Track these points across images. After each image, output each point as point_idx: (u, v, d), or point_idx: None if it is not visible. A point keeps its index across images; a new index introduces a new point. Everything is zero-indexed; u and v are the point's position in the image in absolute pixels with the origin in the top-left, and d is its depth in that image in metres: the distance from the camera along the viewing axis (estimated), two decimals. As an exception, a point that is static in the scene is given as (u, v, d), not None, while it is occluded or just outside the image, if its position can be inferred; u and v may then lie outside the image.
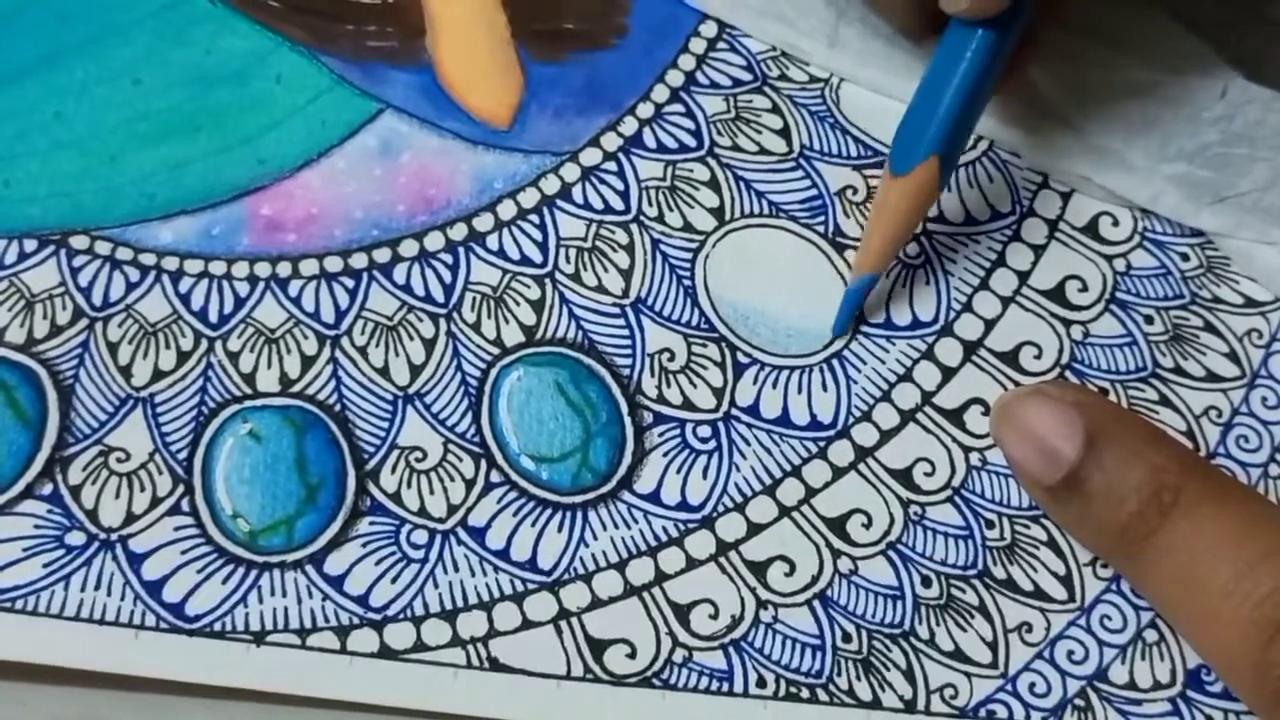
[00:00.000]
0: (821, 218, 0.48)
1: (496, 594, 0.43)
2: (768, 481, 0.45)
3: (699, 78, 0.50)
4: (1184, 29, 0.47)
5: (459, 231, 0.48)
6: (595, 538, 0.44)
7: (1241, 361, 0.47)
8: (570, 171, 0.49)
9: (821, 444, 0.46)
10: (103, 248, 0.47)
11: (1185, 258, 0.48)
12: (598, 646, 0.43)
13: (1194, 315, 0.47)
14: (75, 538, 0.43)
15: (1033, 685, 0.43)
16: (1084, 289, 0.47)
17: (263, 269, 0.47)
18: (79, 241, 0.47)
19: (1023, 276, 0.48)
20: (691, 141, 0.49)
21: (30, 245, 0.47)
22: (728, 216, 0.48)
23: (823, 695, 0.43)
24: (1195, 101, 0.47)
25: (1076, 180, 0.48)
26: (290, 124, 0.49)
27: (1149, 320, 0.47)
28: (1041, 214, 0.49)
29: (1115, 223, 0.48)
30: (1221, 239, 0.48)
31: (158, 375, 0.45)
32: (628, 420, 0.46)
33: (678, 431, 0.46)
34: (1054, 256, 0.48)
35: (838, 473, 0.45)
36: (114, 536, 0.43)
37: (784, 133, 0.49)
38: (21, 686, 0.43)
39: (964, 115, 0.44)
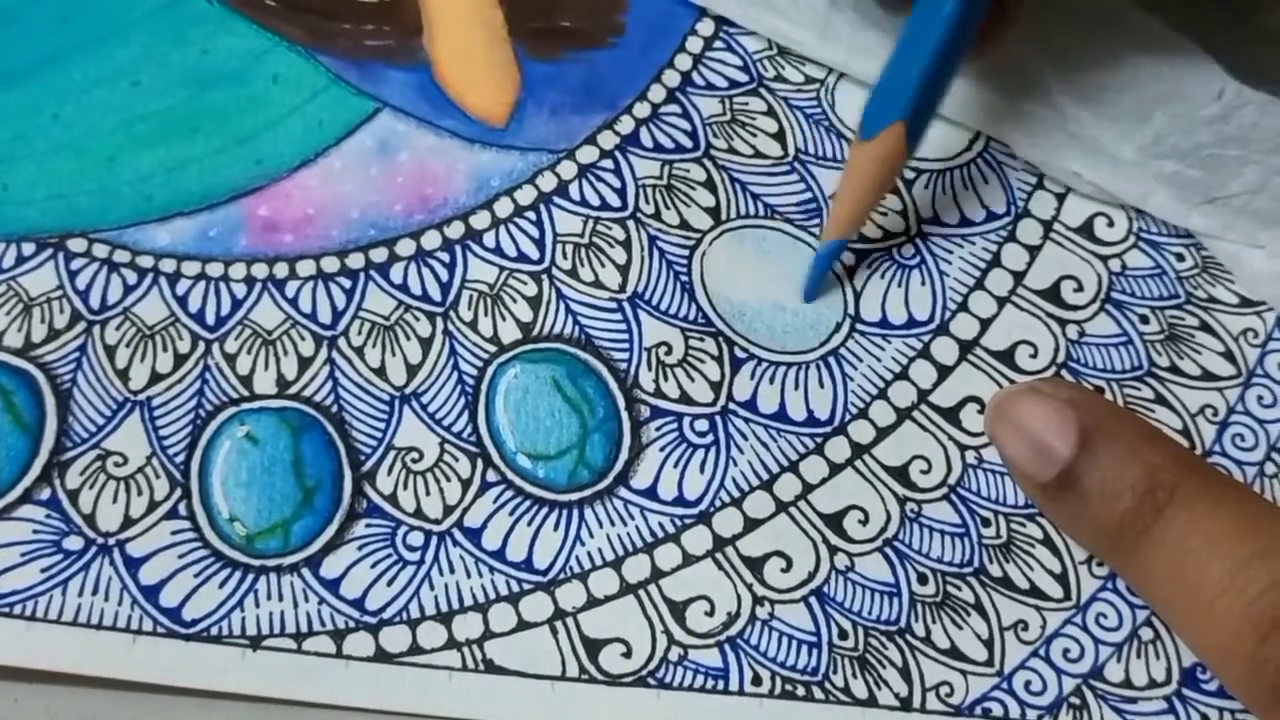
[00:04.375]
0: (816, 220, 0.48)
1: (492, 595, 0.44)
2: (765, 477, 0.45)
3: (695, 78, 0.50)
4: (1182, 36, 0.47)
5: (456, 230, 0.48)
6: (591, 535, 0.44)
7: (1237, 360, 0.47)
8: (567, 169, 0.49)
9: (819, 440, 0.46)
10: (100, 250, 0.47)
11: (1180, 258, 0.48)
12: (593, 646, 0.43)
13: (1189, 315, 0.47)
14: (73, 542, 0.44)
15: (1028, 683, 0.43)
16: (1079, 289, 0.48)
17: (260, 270, 0.47)
18: (77, 244, 0.47)
19: (1018, 277, 0.48)
20: (688, 142, 0.49)
21: (28, 248, 0.47)
22: (723, 217, 0.48)
23: (818, 693, 0.43)
24: (1191, 100, 0.47)
25: (1067, 176, 0.48)
26: (287, 124, 0.49)
27: (1144, 320, 0.47)
28: (1036, 215, 0.49)
29: (1110, 223, 0.48)
30: (1209, 240, 0.48)
31: (155, 378, 0.46)
32: (625, 415, 0.46)
33: (675, 425, 0.46)
34: (1049, 257, 0.48)
35: (835, 469, 0.46)
36: (112, 541, 0.44)
37: (779, 136, 0.50)
38: (16, 685, 0.43)
39: (933, 82, 0.44)
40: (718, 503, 0.45)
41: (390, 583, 0.44)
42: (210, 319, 0.46)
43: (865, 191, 0.45)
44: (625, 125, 0.50)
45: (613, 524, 0.45)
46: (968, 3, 0.43)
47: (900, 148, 0.44)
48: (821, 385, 0.46)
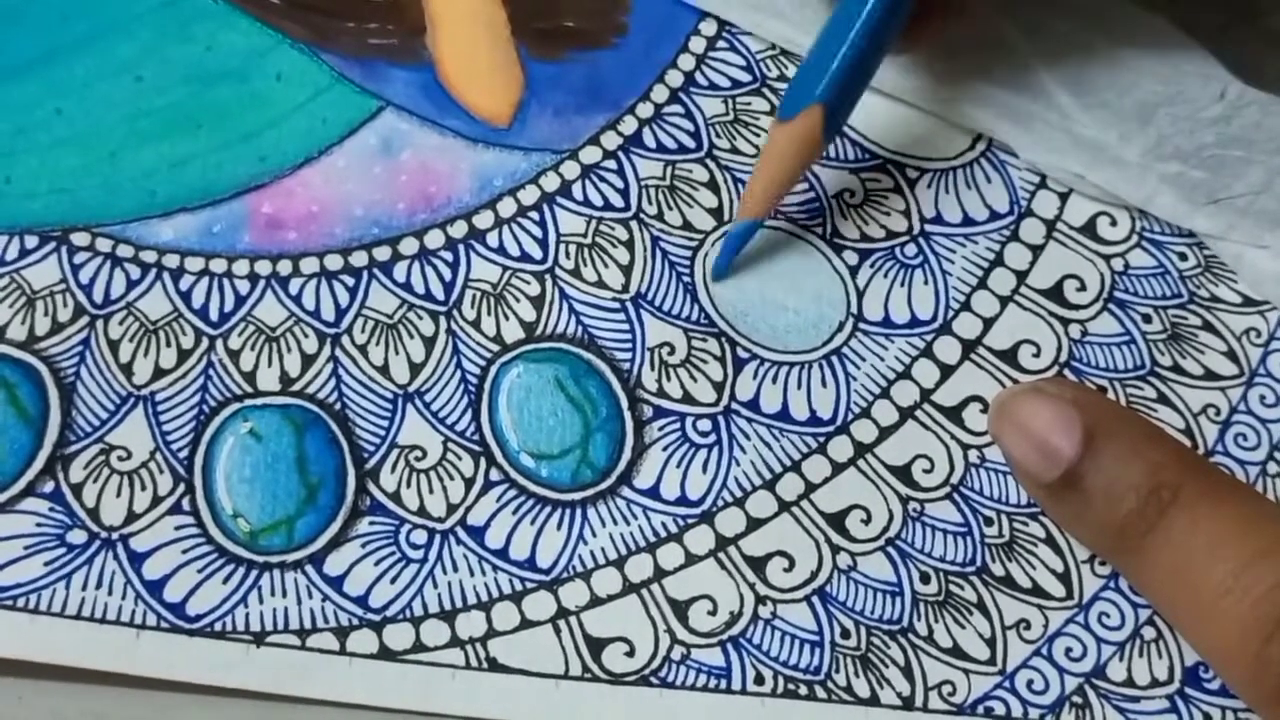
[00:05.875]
0: (819, 219, 0.48)
1: (495, 594, 0.44)
2: (767, 476, 0.45)
3: (698, 78, 0.50)
4: (1184, 35, 0.47)
5: (459, 229, 0.48)
6: (594, 535, 0.44)
7: (1240, 360, 0.47)
8: (570, 169, 0.49)
9: (821, 439, 0.46)
10: (104, 245, 0.47)
11: (1183, 257, 0.48)
12: (596, 645, 0.43)
13: (1192, 314, 0.47)
14: (76, 536, 0.43)
15: (1031, 682, 0.43)
16: (1082, 288, 0.48)
17: (263, 267, 0.47)
18: (80, 238, 0.47)
19: (1021, 276, 0.48)
20: (691, 143, 0.49)
21: (31, 241, 0.47)
22: (726, 217, 0.48)
23: (821, 692, 0.43)
24: (1194, 101, 0.47)
25: (1070, 178, 0.48)
26: (291, 121, 0.49)
27: (1147, 319, 0.47)
28: (1039, 214, 0.49)
29: (1113, 223, 0.48)
30: (1213, 241, 0.48)
31: (159, 373, 0.45)
32: (627, 415, 0.46)
33: (678, 425, 0.46)
34: (1052, 256, 0.48)
35: (837, 468, 0.46)
36: (115, 535, 0.44)
37: (782, 136, 0.50)
38: (21, 682, 0.43)
39: (853, 67, 0.44)
40: (720, 502, 0.45)
41: (394, 580, 0.43)
42: (214, 315, 0.46)
43: (781, 172, 0.46)
44: (628, 125, 0.50)
45: (615, 523, 0.45)
46: None
47: (817, 130, 0.45)
48: (824, 385, 0.46)
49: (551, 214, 0.48)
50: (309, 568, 0.44)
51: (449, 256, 0.47)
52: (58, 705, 0.43)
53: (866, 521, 0.45)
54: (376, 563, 0.44)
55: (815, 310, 0.47)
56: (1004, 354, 0.47)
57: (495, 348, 0.46)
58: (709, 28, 0.51)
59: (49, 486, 0.44)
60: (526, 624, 0.43)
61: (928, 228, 0.48)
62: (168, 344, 0.46)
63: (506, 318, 0.47)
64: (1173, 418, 0.46)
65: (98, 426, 0.45)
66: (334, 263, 0.47)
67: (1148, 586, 0.42)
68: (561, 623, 0.43)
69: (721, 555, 0.44)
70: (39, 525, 0.44)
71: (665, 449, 0.45)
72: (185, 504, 0.44)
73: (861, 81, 0.45)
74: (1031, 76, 0.48)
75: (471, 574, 0.44)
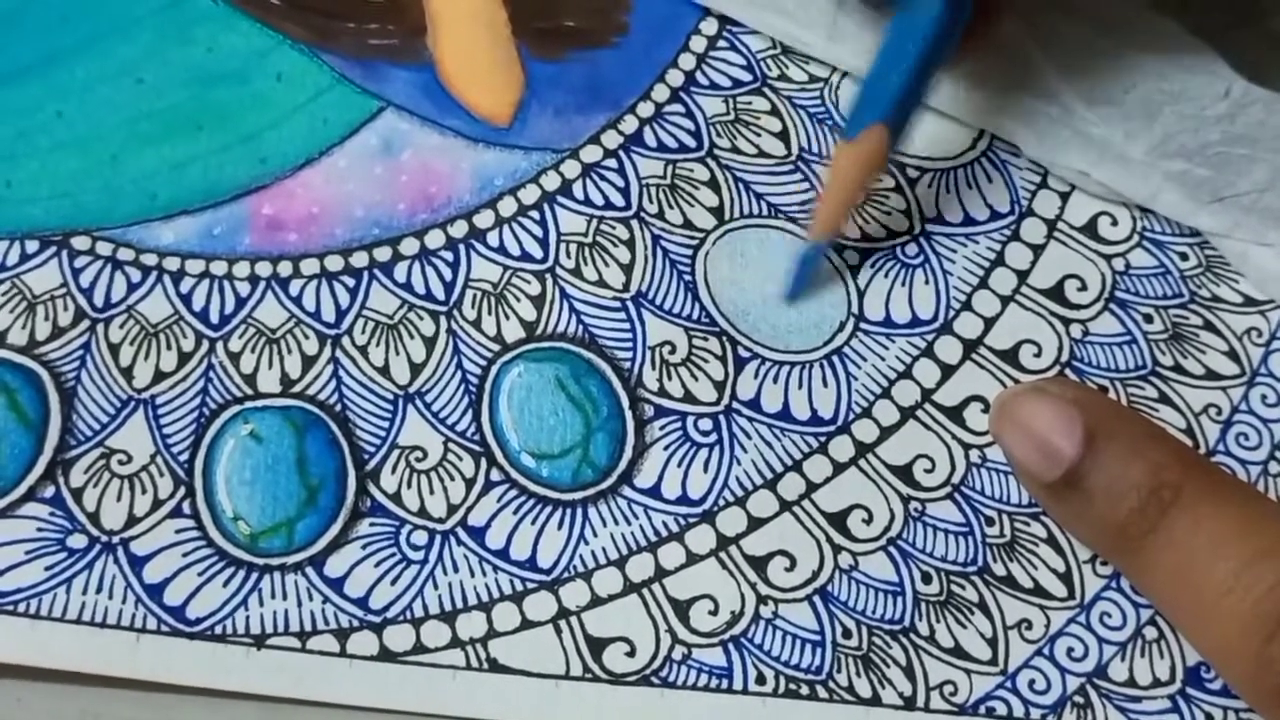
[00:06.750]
0: (820, 218, 0.48)
1: (496, 594, 0.44)
2: (769, 476, 0.45)
3: (699, 78, 0.50)
4: (1189, 34, 0.47)
5: (460, 229, 0.48)
6: (595, 534, 0.44)
7: (1241, 360, 0.47)
8: (571, 168, 0.49)
9: (822, 439, 0.46)
10: (104, 248, 0.47)
11: (1184, 257, 0.48)
12: (597, 645, 0.43)
13: (1193, 314, 0.47)
14: (77, 540, 0.44)
15: (1032, 682, 0.43)
16: (1083, 288, 0.47)
17: (264, 269, 0.47)
18: (80, 242, 0.47)
19: (1022, 275, 0.48)
20: (691, 142, 0.49)
21: (32, 246, 0.47)
22: (727, 216, 0.48)
23: (822, 692, 0.43)
24: (1198, 99, 0.47)
25: (1075, 176, 0.48)
26: (291, 122, 0.49)
27: (1148, 319, 0.47)
28: (1040, 214, 0.48)
29: (1114, 222, 0.48)
30: (1218, 239, 0.48)
31: (159, 376, 0.46)
32: (628, 414, 0.46)
33: (679, 424, 0.46)
34: (1053, 256, 0.48)
35: (838, 468, 0.45)
36: (115, 539, 0.44)
37: (783, 136, 0.49)
38: (20, 684, 0.43)
39: (914, 85, 0.44)
40: (721, 502, 0.45)
41: (394, 582, 0.44)
42: (214, 317, 0.46)
43: (847, 191, 0.46)
44: (629, 125, 0.49)
45: (616, 523, 0.45)
46: (952, 9, 0.43)
47: (881, 148, 0.45)
48: (825, 384, 0.46)
49: (552, 213, 0.48)
50: (309, 570, 0.44)
51: (449, 256, 0.47)
52: (57, 707, 0.43)
53: (868, 521, 0.45)
54: (377, 564, 0.44)
55: (816, 310, 0.47)
56: (1005, 354, 0.47)
57: (496, 347, 0.46)
58: (710, 27, 0.51)
59: (49, 491, 0.44)
60: (527, 624, 0.43)
61: (929, 227, 0.48)
62: (168, 347, 0.46)
63: (507, 317, 0.47)
64: (1174, 417, 0.46)
65: (98, 430, 0.45)
66: (334, 264, 0.47)
67: (1149, 586, 0.42)
68: (562, 623, 0.43)
69: (723, 555, 0.44)
70: (39, 530, 0.44)
71: (666, 448, 0.45)
72: (186, 507, 0.44)
73: (921, 96, 0.45)
74: (1037, 74, 0.48)
75: (472, 575, 0.44)
